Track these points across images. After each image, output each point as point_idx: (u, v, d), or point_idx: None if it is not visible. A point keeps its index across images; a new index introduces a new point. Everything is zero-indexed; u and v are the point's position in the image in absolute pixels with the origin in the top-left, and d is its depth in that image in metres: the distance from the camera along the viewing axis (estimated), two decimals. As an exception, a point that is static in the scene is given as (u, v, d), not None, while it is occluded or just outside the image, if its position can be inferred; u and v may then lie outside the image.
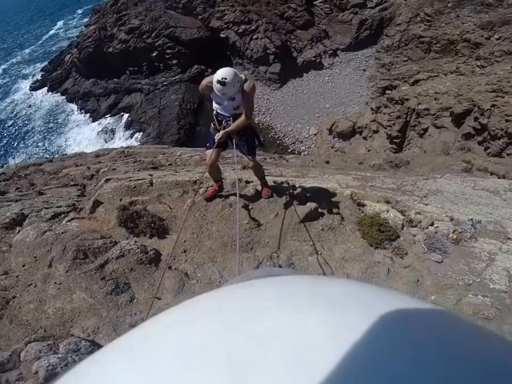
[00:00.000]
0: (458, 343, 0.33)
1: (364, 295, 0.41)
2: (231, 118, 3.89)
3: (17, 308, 3.19)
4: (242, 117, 3.81)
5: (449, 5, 20.48)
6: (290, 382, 0.28)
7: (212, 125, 4.11)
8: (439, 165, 9.27)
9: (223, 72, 3.45)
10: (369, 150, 19.72)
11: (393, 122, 19.06)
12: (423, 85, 20.04)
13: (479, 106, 16.29)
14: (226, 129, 3.88)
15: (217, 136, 3.89)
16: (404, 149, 18.92)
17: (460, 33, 19.66)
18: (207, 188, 4.80)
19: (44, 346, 2.78)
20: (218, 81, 3.43)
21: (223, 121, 3.96)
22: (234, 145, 4.04)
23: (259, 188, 4.84)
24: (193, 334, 0.35)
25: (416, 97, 18.96)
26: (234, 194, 4.69)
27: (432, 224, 4.45)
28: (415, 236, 4.30)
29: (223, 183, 4.70)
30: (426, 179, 6.82)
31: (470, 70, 18.90)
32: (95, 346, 2.95)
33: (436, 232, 4.26)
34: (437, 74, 20.34)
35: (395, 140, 19.05)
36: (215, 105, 3.95)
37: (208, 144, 4.15)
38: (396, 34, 23.05)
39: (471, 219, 4.47)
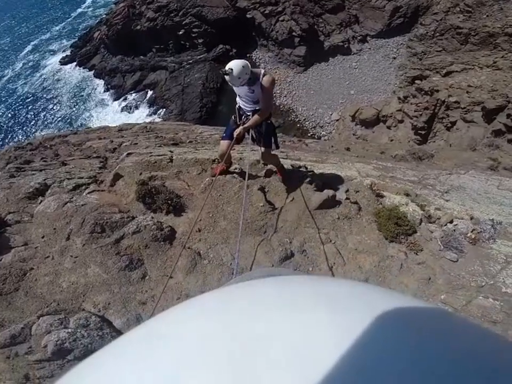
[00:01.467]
0: (459, 343, 0.32)
1: (364, 295, 0.41)
2: (250, 114, 3.98)
3: (33, 280, 3.27)
4: (260, 112, 3.90)
5: (492, -4, 19.38)
6: (291, 382, 0.28)
7: (233, 117, 4.21)
8: (464, 160, 8.98)
9: (231, 63, 3.57)
10: (392, 140, 19.24)
11: (420, 113, 18.45)
12: (456, 77, 19.22)
13: (513, 102, 15.58)
14: (244, 125, 3.96)
15: (236, 132, 3.99)
16: (429, 141, 18.34)
17: (501, 26, 18.57)
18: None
19: (55, 320, 2.87)
20: (224, 71, 3.56)
21: (243, 116, 4.07)
22: (250, 138, 4.11)
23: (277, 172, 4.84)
24: (194, 334, 0.35)
25: (447, 89, 18.25)
26: (252, 177, 4.70)
27: (451, 222, 4.34)
28: (432, 232, 4.21)
29: (231, 164, 4.79)
30: (449, 174, 6.63)
31: (508, 65, 17.96)
32: (104, 322, 3.03)
33: (454, 230, 4.15)
34: (472, 67, 19.42)
35: (420, 131, 18.47)
36: (237, 98, 4.05)
37: (224, 135, 4.25)
38: (432, 23, 22.02)
39: (492, 219, 4.34)
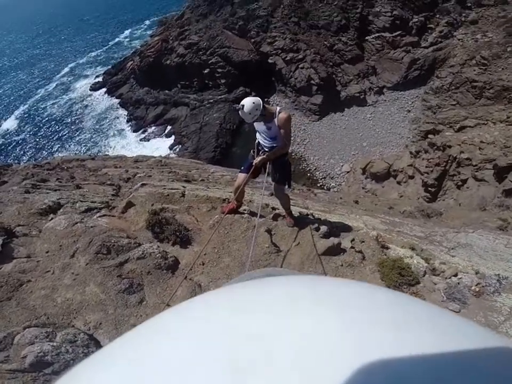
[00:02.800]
0: (463, 344, 0.32)
1: (365, 294, 0.41)
2: (268, 150, 4.18)
3: (28, 292, 3.28)
4: (278, 147, 4.13)
5: (508, 49, 19.79)
6: (292, 382, 0.28)
7: (252, 151, 4.39)
8: (473, 220, 8.92)
9: (244, 100, 3.91)
10: (401, 196, 19.12)
11: (431, 169, 18.46)
12: (469, 133, 19.23)
13: (526, 160, 15.55)
14: (263, 156, 4.15)
15: (256, 160, 4.15)
16: (439, 199, 18.17)
17: (516, 79, 18.79)
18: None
19: (42, 332, 2.82)
20: (237, 107, 3.99)
21: (261, 152, 4.25)
22: (266, 172, 4.31)
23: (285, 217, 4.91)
24: (194, 334, 0.35)
25: (459, 144, 18.26)
26: (261, 217, 4.77)
27: (455, 275, 4.29)
28: (436, 284, 4.15)
29: (241, 205, 4.88)
30: (457, 232, 6.59)
31: (521, 121, 18.07)
32: (92, 341, 2.97)
33: (458, 283, 4.10)
34: (486, 122, 19.43)
35: (430, 189, 18.37)
36: (257, 134, 4.28)
37: (242, 168, 4.42)
38: (448, 76, 22.43)
39: (498, 274, 4.28)
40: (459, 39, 23.12)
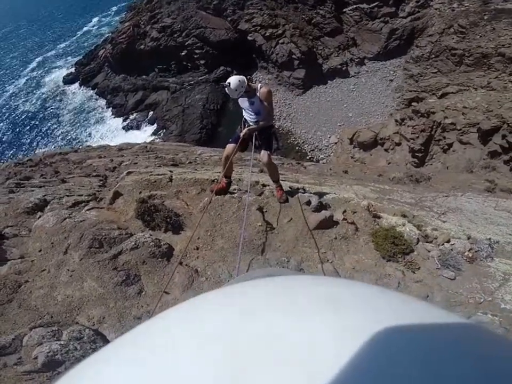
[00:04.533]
0: (465, 345, 0.32)
1: (366, 295, 0.40)
2: (253, 124, 4.48)
3: (27, 292, 3.26)
4: (262, 120, 4.45)
5: (485, 17, 19.92)
6: (291, 383, 0.27)
7: (239, 127, 4.69)
8: (461, 182, 9.07)
9: (230, 78, 4.22)
10: (389, 163, 19.41)
11: (417, 135, 18.70)
12: (452, 99, 19.57)
13: (508, 123, 15.83)
14: (249, 127, 4.45)
15: (242, 133, 4.45)
16: (426, 163, 18.52)
17: (494, 46, 19.05)
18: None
19: (48, 332, 2.83)
20: (224, 85, 4.26)
21: (247, 126, 4.54)
22: (253, 145, 4.56)
23: (275, 192, 4.88)
24: (194, 334, 0.35)
25: (443, 110, 18.55)
26: (250, 197, 4.76)
27: (448, 241, 4.36)
28: (429, 251, 4.22)
29: (231, 182, 4.96)
30: (446, 196, 6.69)
31: (502, 86, 18.31)
32: (98, 335, 2.99)
33: (451, 250, 4.17)
34: (467, 88, 19.79)
35: (417, 154, 18.68)
36: (243, 112, 4.58)
37: (230, 140, 4.65)
38: (427, 45, 22.64)
39: (489, 238, 4.37)
40: (436, 9, 23.12)
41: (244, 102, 4.40)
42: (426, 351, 0.30)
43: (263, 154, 4.55)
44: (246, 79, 4.20)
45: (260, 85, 4.36)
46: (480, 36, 19.96)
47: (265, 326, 0.34)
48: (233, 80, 4.14)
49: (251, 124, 4.48)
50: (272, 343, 0.31)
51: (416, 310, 0.37)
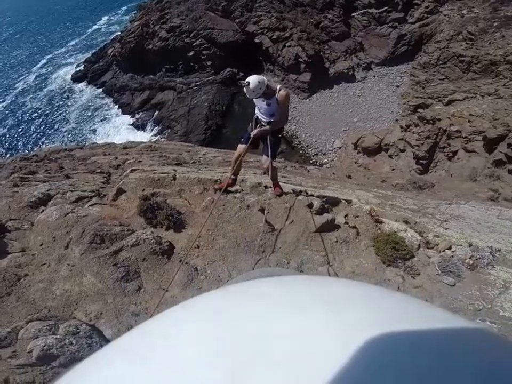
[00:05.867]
0: (460, 341, 0.32)
1: (365, 295, 0.41)
2: (266, 124, 4.39)
3: (26, 286, 3.28)
4: (275, 121, 4.36)
5: (494, 24, 19.75)
6: (291, 382, 0.28)
7: (250, 124, 4.60)
8: (465, 191, 9.03)
9: (250, 77, 4.02)
10: (393, 169, 19.33)
11: (422, 142, 18.61)
12: (458, 106, 19.40)
13: (514, 132, 15.73)
14: (261, 129, 4.36)
15: (253, 133, 4.36)
16: (430, 171, 18.41)
17: (503, 54, 18.85)
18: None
19: (44, 326, 2.85)
20: (242, 84, 4.02)
21: (259, 125, 4.46)
22: (264, 144, 4.53)
23: (272, 188, 4.96)
24: (195, 333, 0.35)
25: (449, 118, 18.43)
26: (253, 197, 4.78)
27: (449, 248, 4.35)
28: (430, 257, 4.21)
29: (236, 180, 4.96)
30: (449, 204, 6.66)
31: (509, 94, 18.10)
32: (95, 331, 3.00)
33: (452, 256, 4.16)
34: (474, 95, 19.60)
35: (421, 161, 18.58)
36: (256, 109, 4.47)
37: (242, 140, 4.58)
38: (435, 51, 22.47)
39: (491, 247, 4.35)
40: (445, 15, 22.95)
41: (259, 102, 4.29)
42: (425, 350, 0.30)
43: (265, 161, 4.55)
44: (266, 80, 4.04)
45: (279, 86, 4.22)
46: (489, 43, 19.78)
47: (265, 325, 0.34)
48: (253, 80, 3.96)
49: (264, 123, 4.40)
50: (272, 343, 0.31)
51: (416, 310, 0.38)
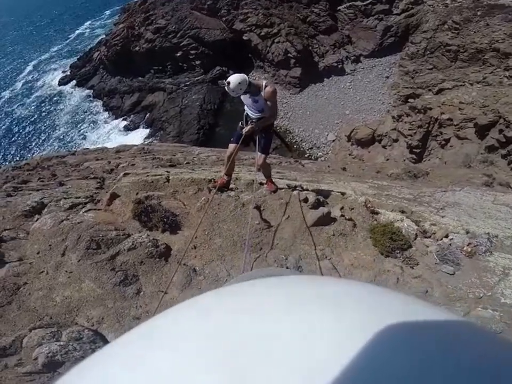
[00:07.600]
0: (465, 347, 0.32)
1: (367, 295, 0.40)
2: (256, 121, 4.36)
3: (26, 294, 3.27)
4: (265, 118, 4.34)
5: (478, 13, 19.89)
6: (291, 382, 0.27)
7: (240, 123, 4.55)
8: (459, 177, 9.07)
9: (230, 77, 4.02)
10: (387, 159, 19.44)
11: (414, 131, 18.73)
12: (448, 94, 19.60)
13: (504, 118, 15.85)
14: (252, 125, 4.32)
15: (245, 130, 4.33)
16: (424, 159, 18.55)
17: (488, 42, 19.06)
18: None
19: (47, 333, 2.85)
20: (223, 83, 4.10)
21: (249, 122, 4.42)
22: (256, 142, 4.48)
23: (265, 185, 4.96)
24: (194, 334, 0.35)
25: (439, 106, 18.57)
26: (248, 195, 4.76)
27: (446, 236, 4.36)
28: (428, 246, 4.22)
29: (230, 180, 4.95)
30: (444, 191, 6.69)
31: (497, 81, 18.34)
32: (98, 336, 3.00)
33: (450, 244, 4.16)
34: (463, 83, 19.81)
35: (415, 150, 18.71)
36: (245, 107, 4.45)
37: (232, 139, 4.56)
38: (422, 41, 22.65)
39: (488, 233, 4.36)
40: (429, 5, 23.12)
41: (246, 99, 4.26)
42: (424, 350, 0.30)
43: (259, 158, 4.53)
44: (247, 79, 4.00)
45: (265, 82, 4.19)
46: (474, 32, 19.96)
47: (265, 326, 0.34)
48: (233, 80, 3.94)
49: (254, 120, 4.37)
50: (272, 343, 0.31)
51: (415, 310, 0.37)
